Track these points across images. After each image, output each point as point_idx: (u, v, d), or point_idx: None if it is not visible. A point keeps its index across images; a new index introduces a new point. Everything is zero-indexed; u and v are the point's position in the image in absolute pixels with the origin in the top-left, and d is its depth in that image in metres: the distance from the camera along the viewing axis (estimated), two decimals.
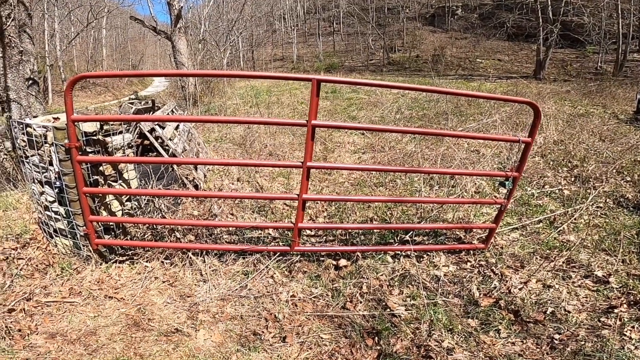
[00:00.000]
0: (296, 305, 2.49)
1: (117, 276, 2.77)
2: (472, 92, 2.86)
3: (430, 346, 2.07)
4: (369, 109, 10.49)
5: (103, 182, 2.69)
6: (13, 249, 2.95)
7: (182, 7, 14.22)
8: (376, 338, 2.18)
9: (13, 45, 5.76)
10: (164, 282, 2.72)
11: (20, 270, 2.71)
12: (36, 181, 2.69)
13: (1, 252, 2.87)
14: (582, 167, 4.78)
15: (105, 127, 2.62)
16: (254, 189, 4.12)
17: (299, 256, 2.91)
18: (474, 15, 31.67)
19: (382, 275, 2.76)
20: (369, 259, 2.91)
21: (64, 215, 2.69)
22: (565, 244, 3.14)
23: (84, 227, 2.64)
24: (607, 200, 3.95)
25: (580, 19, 22.27)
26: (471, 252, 3.03)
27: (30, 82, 6.18)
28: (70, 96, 2.23)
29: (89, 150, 2.52)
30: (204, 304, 2.48)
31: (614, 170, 4.61)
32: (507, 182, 2.69)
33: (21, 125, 2.59)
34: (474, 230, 3.26)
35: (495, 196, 3.92)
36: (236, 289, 2.61)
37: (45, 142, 2.51)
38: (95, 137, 2.56)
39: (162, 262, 2.83)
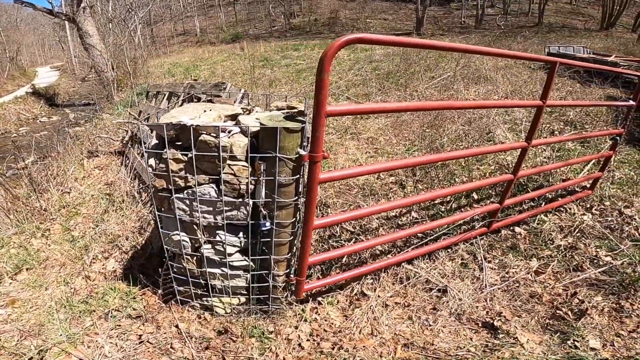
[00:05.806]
0: (543, 282, 2.39)
1: (324, 320, 2.14)
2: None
3: None
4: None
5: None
6: (149, 333, 1.98)
7: None
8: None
9: None
10: (386, 306, 2.19)
11: None
12: (199, 227, 1.76)
13: (138, 341, 1.90)
14: None
15: None
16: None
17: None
18: None
19: (563, 232, 2.80)
20: (533, 224, 2.93)
21: (253, 268, 1.86)
22: None
23: (284, 276, 1.89)
24: None
25: None
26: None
27: None
28: (328, 72, 1.40)
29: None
30: (468, 314, 2.21)
31: None
32: None
33: (173, 131, 1.60)
34: None
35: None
36: (477, 286, 2.38)
37: (233, 158, 1.63)
38: None
39: (364, 284, 2.29)
